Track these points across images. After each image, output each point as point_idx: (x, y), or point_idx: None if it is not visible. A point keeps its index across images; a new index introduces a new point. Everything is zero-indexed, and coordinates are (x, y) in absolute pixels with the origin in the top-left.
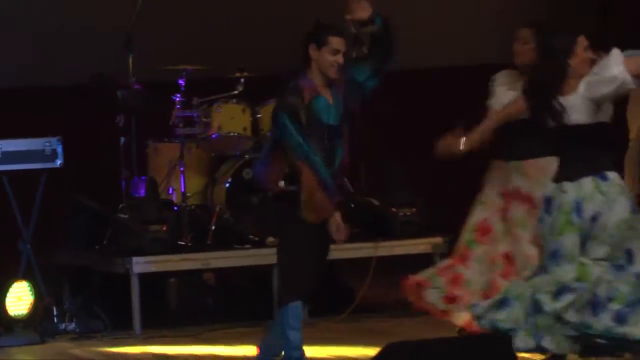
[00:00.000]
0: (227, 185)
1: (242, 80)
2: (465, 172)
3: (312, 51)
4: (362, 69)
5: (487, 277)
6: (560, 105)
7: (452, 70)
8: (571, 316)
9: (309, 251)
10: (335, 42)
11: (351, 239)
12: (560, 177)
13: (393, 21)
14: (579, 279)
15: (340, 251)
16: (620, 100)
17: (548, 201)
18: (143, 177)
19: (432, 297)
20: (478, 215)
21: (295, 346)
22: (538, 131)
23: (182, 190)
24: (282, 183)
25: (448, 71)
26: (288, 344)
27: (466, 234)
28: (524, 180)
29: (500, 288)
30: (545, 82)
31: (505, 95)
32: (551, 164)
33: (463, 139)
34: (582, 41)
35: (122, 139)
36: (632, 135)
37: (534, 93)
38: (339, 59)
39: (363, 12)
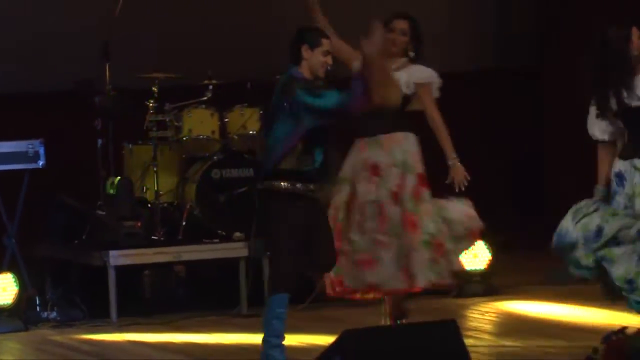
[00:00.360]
0: (197, 184)
1: (211, 87)
2: None
3: (305, 51)
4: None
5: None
6: (628, 89)
7: None
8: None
9: (295, 246)
10: (327, 44)
11: None
12: (631, 154)
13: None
14: None
15: None
16: None
17: (620, 176)
18: (119, 177)
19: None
20: (343, 192)
21: (276, 334)
22: (389, 113)
23: (156, 188)
24: (284, 184)
25: None
26: (269, 330)
27: (338, 213)
28: (379, 153)
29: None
30: (615, 70)
31: None
32: (403, 137)
33: None
34: (635, 31)
35: (100, 141)
36: None
37: (602, 82)
38: (329, 59)
39: None
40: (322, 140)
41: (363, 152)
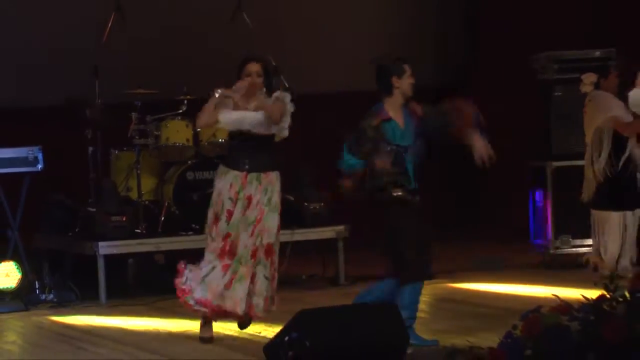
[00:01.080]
0: (174, 184)
1: (185, 101)
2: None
3: (395, 81)
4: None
5: None
6: None
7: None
8: None
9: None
10: (408, 67)
11: None
12: None
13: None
14: None
15: None
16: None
17: None
18: (107, 178)
19: None
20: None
21: (412, 316)
22: (271, 149)
23: (138, 188)
24: (398, 192)
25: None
26: (408, 313)
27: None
28: (256, 188)
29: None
30: None
31: (230, 114)
32: (277, 176)
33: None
34: None
35: (90, 148)
36: (588, 139)
37: None
38: (413, 79)
39: None
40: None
41: (244, 185)
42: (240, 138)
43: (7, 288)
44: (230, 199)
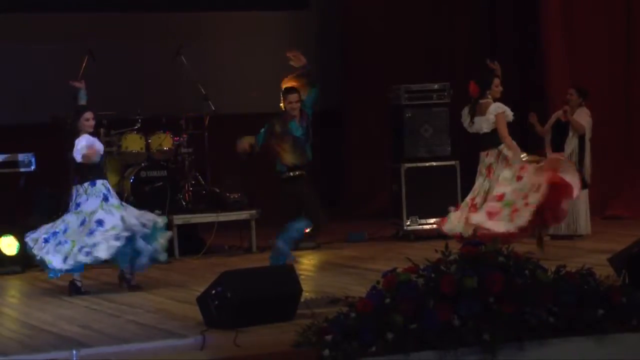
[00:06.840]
0: (131, 181)
1: (140, 120)
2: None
3: (284, 101)
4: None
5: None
6: None
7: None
8: None
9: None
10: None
11: (203, 210)
12: None
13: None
14: None
15: (197, 218)
16: None
17: None
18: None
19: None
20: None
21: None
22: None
23: None
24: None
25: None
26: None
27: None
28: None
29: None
30: None
31: None
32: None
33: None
34: None
35: (68, 154)
36: None
37: None
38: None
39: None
40: None
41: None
42: None
43: (10, 255)
44: None
